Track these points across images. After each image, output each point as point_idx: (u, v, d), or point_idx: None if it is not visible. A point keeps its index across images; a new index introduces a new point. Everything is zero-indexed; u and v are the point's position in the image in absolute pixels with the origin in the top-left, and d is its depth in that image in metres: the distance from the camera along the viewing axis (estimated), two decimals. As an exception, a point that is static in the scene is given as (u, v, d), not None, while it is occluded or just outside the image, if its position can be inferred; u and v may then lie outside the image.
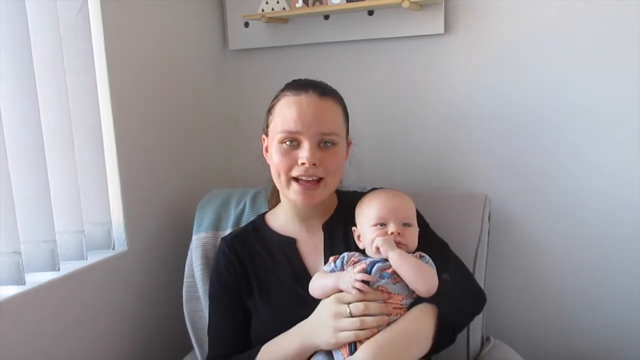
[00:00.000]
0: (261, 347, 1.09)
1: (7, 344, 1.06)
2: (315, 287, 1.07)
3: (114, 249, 1.32)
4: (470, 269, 1.28)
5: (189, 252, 1.37)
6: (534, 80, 1.40)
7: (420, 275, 1.00)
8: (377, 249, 1.02)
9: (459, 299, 1.07)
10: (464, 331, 1.30)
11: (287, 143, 1.08)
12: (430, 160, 1.53)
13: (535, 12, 1.36)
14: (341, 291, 1.02)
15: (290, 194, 1.10)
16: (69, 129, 1.19)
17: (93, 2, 1.25)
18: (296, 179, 1.09)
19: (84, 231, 1.22)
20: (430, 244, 1.12)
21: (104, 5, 1.26)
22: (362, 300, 0.99)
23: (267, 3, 1.56)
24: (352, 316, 0.98)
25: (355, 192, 1.24)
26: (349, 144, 1.17)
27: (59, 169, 1.18)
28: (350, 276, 1.00)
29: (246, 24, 1.65)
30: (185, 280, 1.37)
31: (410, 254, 1.03)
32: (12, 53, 1.06)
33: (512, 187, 1.46)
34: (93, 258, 1.27)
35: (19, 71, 1.07)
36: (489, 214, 1.37)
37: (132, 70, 1.37)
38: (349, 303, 0.99)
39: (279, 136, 1.08)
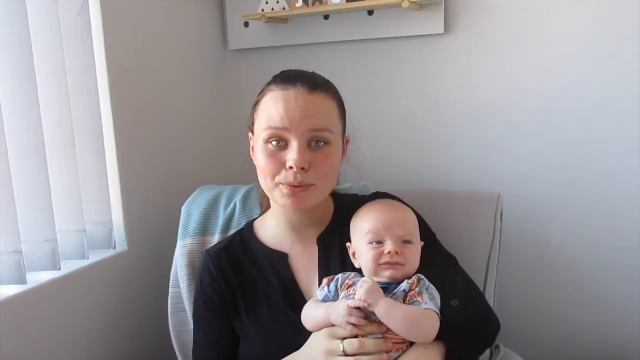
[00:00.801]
0: None
1: (7, 344, 1.06)
2: (307, 319, 0.96)
3: (114, 248, 1.32)
4: (483, 272, 1.22)
5: (174, 260, 1.28)
6: (534, 79, 1.40)
7: (414, 330, 0.88)
8: (366, 303, 0.87)
9: (469, 330, 0.94)
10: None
11: (274, 143, 0.95)
12: (433, 160, 1.53)
13: (535, 12, 1.36)
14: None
15: (278, 198, 0.98)
16: (69, 129, 1.19)
17: (93, 2, 1.25)
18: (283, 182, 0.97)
19: (85, 230, 1.23)
20: (437, 260, 1.01)
21: (104, 5, 1.26)
22: (357, 336, 0.88)
23: (267, 3, 1.56)
24: (346, 355, 0.87)
25: (355, 195, 1.16)
26: (346, 141, 1.06)
27: (60, 168, 1.18)
28: (344, 308, 0.89)
29: (246, 24, 1.65)
30: (170, 290, 1.27)
31: (402, 285, 0.91)
32: (12, 53, 1.06)
33: (524, 186, 1.44)
34: (94, 257, 1.27)
35: (19, 71, 1.07)
36: (502, 213, 1.32)
37: (132, 70, 1.37)
38: (343, 339, 0.89)
39: (264, 134, 0.96)
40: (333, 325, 0.92)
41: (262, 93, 1.02)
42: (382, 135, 1.56)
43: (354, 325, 0.88)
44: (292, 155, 0.94)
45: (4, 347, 1.05)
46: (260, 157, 0.98)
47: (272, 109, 0.96)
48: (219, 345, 1.07)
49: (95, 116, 1.26)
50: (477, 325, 0.98)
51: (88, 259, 1.24)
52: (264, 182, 1.00)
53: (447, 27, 1.45)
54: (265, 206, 1.17)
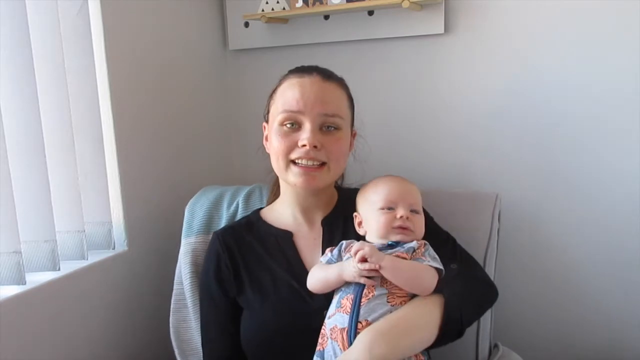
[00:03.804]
0: None
1: (7, 344, 1.06)
2: (316, 280, 1.01)
3: (114, 248, 1.32)
4: None
5: (179, 258, 1.31)
6: (534, 79, 1.40)
7: (414, 281, 0.95)
8: (364, 259, 0.94)
9: (466, 289, 1.01)
10: (473, 337, 1.27)
11: (288, 125, 1.04)
12: (433, 160, 1.53)
13: (535, 12, 1.36)
14: (346, 282, 0.97)
15: (290, 177, 1.06)
16: (69, 129, 1.19)
17: (93, 2, 1.25)
18: (295, 163, 1.05)
19: (84, 231, 1.22)
20: (436, 236, 1.08)
21: (104, 5, 1.26)
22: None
23: (267, 3, 1.56)
24: None
25: (356, 189, 1.20)
26: (353, 134, 1.14)
27: (59, 168, 1.18)
28: (353, 266, 0.94)
29: (246, 24, 1.65)
30: (174, 287, 1.31)
31: (412, 242, 0.99)
32: (12, 53, 1.06)
33: (522, 186, 1.44)
34: (93, 258, 1.26)
35: (19, 71, 1.07)
36: (499, 213, 1.34)
37: (132, 70, 1.37)
38: None
39: (280, 117, 1.05)
40: (345, 284, 0.97)
41: (278, 83, 1.11)
42: (382, 135, 1.56)
43: (367, 277, 0.93)
44: (305, 134, 1.03)
45: (3, 347, 1.05)
46: (274, 139, 1.06)
47: (288, 94, 1.05)
48: (224, 322, 1.11)
49: (94, 116, 1.25)
50: (474, 285, 1.05)
51: (87, 259, 1.23)
52: (277, 162, 1.07)
53: (447, 27, 1.44)
54: (272, 199, 1.23)
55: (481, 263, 1.26)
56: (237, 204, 1.33)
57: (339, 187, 1.20)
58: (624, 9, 1.29)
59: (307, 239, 1.13)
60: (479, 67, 1.44)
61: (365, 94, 1.55)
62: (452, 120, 1.49)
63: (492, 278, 1.28)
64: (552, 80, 1.38)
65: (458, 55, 1.46)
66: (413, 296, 0.97)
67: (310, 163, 1.04)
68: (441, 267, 0.98)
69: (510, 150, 1.45)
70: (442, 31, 1.44)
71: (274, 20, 1.56)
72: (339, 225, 1.13)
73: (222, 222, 1.32)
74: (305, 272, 1.07)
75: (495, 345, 1.34)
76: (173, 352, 1.35)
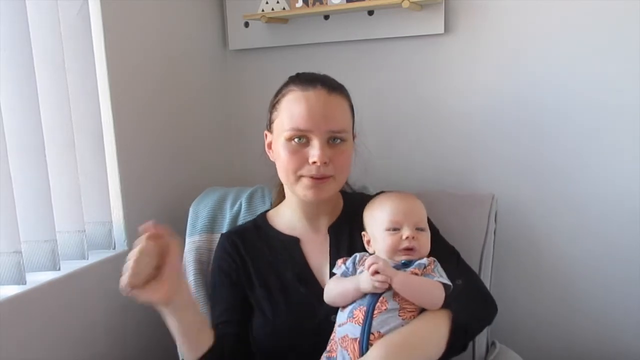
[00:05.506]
0: None
1: (7, 344, 1.06)
2: (334, 294, 1.02)
3: (114, 248, 1.32)
4: (476, 270, 1.25)
5: (183, 256, 1.32)
6: (534, 79, 1.40)
7: (424, 296, 0.98)
8: (375, 271, 0.96)
9: (472, 304, 1.05)
10: (470, 335, 1.29)
11: (296, 140, 1.04)
12: (431, 160, 1.53)
13: (535, 12, 1.36)
14: (365, 294, 0.98)
15: (299, 190, 1.07)
16: (69, 129, 1.19)
17: (93, 2, 1.25)
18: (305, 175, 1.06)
19: (84, 231, 1.23)
20: (441, 251, 1.09)
21: (104, 5, 1.26)
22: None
23: (267, 3, 1.56)
24: None
25: (361, 194, 1.22)
26: (354, 137, 1.15)
27: (60, 168, 1.19)
28: (368, 277, 0.96)
29: (246, 24, 1.65)
30: None
31: (422, 260, 1.01)
32: (12, 53, 1.06)
33: (519, 187, 1.45)
34: (93, 258, 1.27)
35: (19, 71, 1.07)
36: (496, 214, 1.35)
37: (132, 70, 1.37)
38: None
39: (287, 134, 1.05)
40: (364, 295, 0.97)
41: (280, 93, 1.10)
42: (382, 135, 1.56)
43: (378, 287, 0.95)
44: (315, 152, 1.03)
45: (3, 347, 1.05)
46: (282, 153, 1.06)
47: (294, 110, 1.05)
48: (233, 301, 1.11)
49: (95, 116, 1.26)
50: (478, 301, 1.09)
51: (88, 259, 1.24)
52: (286, 176, 1.08)
53: (447, 27, 1.44)
54: (277, 202, 1.24)
55: (478, 264, 1.29)
56: (240, 204, 1.35)
57: (343, 192, 1.20)
58: (624, 10, 1.29)
59: (314, 245, 1.14)
60: (478, 67, 1.44)
61: (364, 93, 1.56)
62: (450, 120, 1.49)
63: (488, 278, 1.31)
64: (551, 81, 1.38)
65: (458, 55, 1.45)
66: (422, 310, 0.99)
67: (320, 175, 1.05)
68: (449, 283, 1.00)
69: (507, 151, 1.45)
70: (442, 31, 1.44)
71: (274, 20, 1.56)
72: (345, 232, 1.14)
73: (226, 222, 1.33)
74: (313, 277, 1.10)
75: (493, 343, 1.35)
76: (173, 351, 1.35)
